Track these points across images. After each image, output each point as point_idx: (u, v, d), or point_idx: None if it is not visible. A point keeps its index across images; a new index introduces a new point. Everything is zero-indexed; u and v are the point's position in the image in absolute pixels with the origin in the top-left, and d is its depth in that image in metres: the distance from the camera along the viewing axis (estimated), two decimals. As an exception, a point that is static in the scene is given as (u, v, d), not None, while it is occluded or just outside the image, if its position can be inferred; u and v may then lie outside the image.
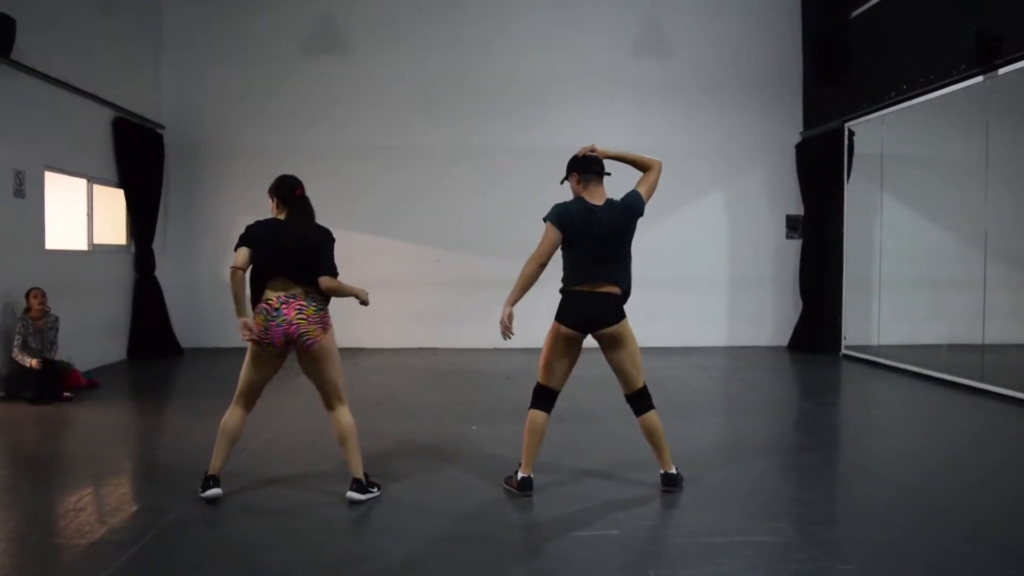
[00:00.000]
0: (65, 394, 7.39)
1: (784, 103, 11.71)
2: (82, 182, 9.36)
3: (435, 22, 11.50)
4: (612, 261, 4.55)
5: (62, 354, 7.81)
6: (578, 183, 4.67)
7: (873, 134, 10.09)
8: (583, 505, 4.43)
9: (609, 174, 4.73)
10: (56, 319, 7.70)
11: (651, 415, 4.68)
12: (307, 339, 4.37)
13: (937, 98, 8.62)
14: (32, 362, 7.27)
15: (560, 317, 4.55)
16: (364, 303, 4.56)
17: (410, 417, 6.77)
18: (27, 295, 7.53)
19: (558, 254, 4.57)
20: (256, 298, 4.45)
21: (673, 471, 4.67)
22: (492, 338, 11.18)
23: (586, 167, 4.67)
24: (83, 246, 9.37)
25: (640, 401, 4.67)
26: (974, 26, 7.82)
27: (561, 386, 4.64)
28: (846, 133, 10.54)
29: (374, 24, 11.44)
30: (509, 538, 4.05)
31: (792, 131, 11.69)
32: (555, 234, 4.49)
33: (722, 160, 11.72)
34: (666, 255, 11.43)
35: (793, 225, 11.73)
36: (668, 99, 11.64)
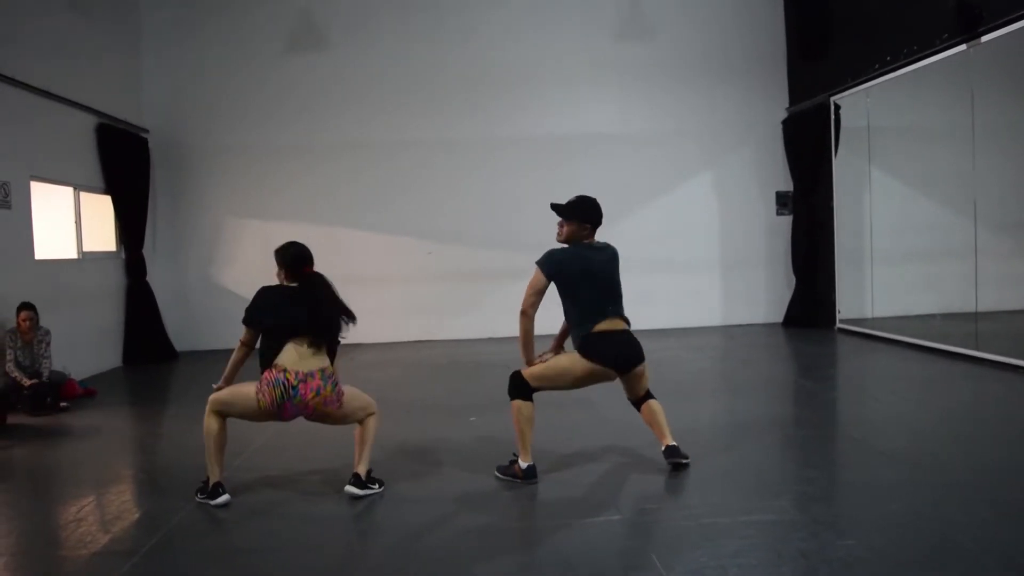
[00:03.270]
0: (61, 404, 7.36)
1: (769, 80, 11.69)
2: (68, 190, 9.30)
3: (415, 12, 11.43)
4: (615, 296, 4.68)
5: (57, 363, 7.77)
6: (581, 228, 4.68)
7: (859, 107, 10.09)
8: (584, 491, 4.44)
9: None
10: (47, 332, 7.59)
11: (651, 402, 4.79)
12: (324, 414, 4.44)
13: (921, 68, 8.62)
14: (24, 381, 7.21)
15: (592, 356, 4.57)
16: None
17: (409, 411, 6.77)
18: (16, 313, 7.42)
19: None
20: (269, 358, 4.40)
21: (674, 443, 4.71)
22: (488, 328, 11.28)
23: (596, 219, 4.71)
24: (73, 254, 9.32)
25: (643, 399, 4.81)
26: (955, -5, 7.82)
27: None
28: (832, 107, 10.53)
29: (354, 17, 11.37)
30: (511, 527, 4.06)
31: (778, 107, 11.68)
32: (542, 282, 4.57)
33: (709, 140, 11.70)
34: (658, 237, 11.45)
35: (783, 202, 11.73)
36: (652, 81, 11.61)
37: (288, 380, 4.29)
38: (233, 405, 4.43)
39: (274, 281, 4.62)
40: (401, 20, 11.42)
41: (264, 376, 4.35)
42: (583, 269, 4.58)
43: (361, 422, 4.59)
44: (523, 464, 4.60)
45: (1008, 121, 8.29)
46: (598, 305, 4.60)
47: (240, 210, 11.31)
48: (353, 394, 4.57)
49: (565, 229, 4.71)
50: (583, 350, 4.58)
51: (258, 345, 4.50)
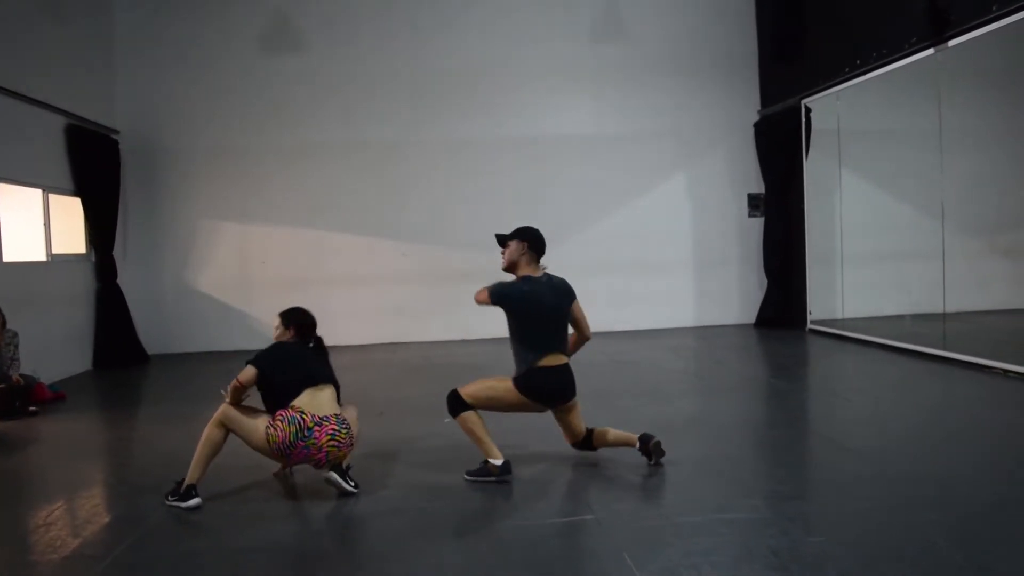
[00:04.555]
0: (31, 408, 7.27)
1: (741, 82, 11.79)
2: (37, 192, 9.19)
3: (390, 16, 11.41)
4: (560, 332, 4.80)
5: (26, 368, 7.67)
6: (525, 256, 4.78)
7: (829, 110, 10.21)
8: (557, 491, 4.48)
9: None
10: (15, 335, 7.51)
11: (595, 430, 4.93)
12: (335, 461, 4.42)
13: (890, 72, 8.74)
14: None
15: (528, 391, 4.66)
16: None
17: (383, 413, 6.74)
18: None
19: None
20: (278, 404, 4.44)
21: (639, 437, 4.80)
22: (461, 330, 11.28)
23: (542, 248, 4.82)
24: (42, 257, 9.20)
25: (587, 440, 4.92)
26: (923, -1, 7.94)
27: None
28: (803, 110, 10.64)
29: (329, 20, 11.32)
30: (484, 528, 4.07)
31: (750, 110, 11.78)
32: (485, 302, 4.72)
33: (682, 142, 11.78)
34: (631, 239, 11.51)
35: (755, 203, 11.83)
36: (626, 83, 11.67)
37: (304, 421, 4.30)
38: (241, 429, 4.42)
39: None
40: (376, 21, 11.39)
41: (279, 413, 4.35)
42: (537, 306, 4.68)
43: None
44: (495, 462, 4.62)
45: (974, 124, 8.44)
46: (543, 341, 4.70)
47: (214, 213, 11.22)
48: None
49: (511, 250, 4.79)
50: (521, 383, 4.67)
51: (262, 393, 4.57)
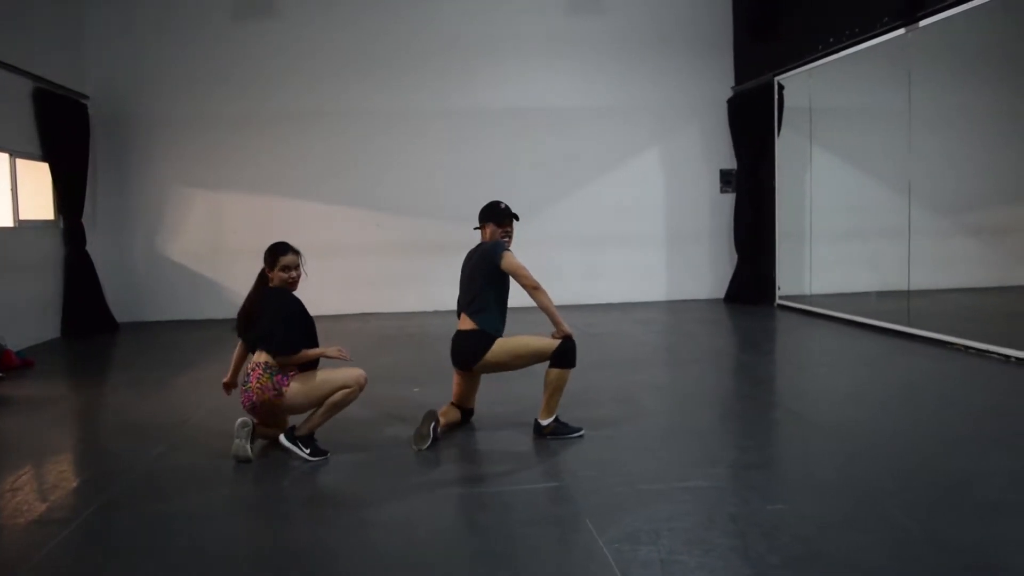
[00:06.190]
0: (-2, 374, 7.24)
1: (716, 58, 11.82)
2: (4, 157, 9.05)
3: (365, -17, 11.30)
4: (468, 296, 5.06)
5: (-8, 334, 7.62)
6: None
7: (802, 88, 10.27)
8: (522, 458, 4.54)
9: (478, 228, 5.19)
10: (-17, 298, 7.47)
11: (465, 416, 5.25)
12: (263, 407, 4.55)
13: (862, 51, 8.81)
14: None
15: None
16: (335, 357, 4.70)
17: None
18: None
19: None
20: None
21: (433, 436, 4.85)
22: (435, 301, 11.30)
23: (485, 217, 5.12)
24: (8, 222, 9.09)
25: (463, 416, 5.24)
26: (896, -21, 7.99)
27: None
28: (776, 87, 10.69)
29: (302, -14, 11.21)
30: (449, 494, 4.12)
31: (724, 86, 11.82)
32: None
33: (657, 116, 11.81)
34: (604, 212, 11.56)
35: (727, 179, 11.91)
36: (603, 57, 11.65)
37: (246, 369, 4.64)
38: None
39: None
40: (351, -11, 11.28)
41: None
42: (463, 268, 5.08)
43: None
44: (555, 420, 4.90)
45: (943, 103, 8.54)
46: (459, 304, 5.01)
47: (185, 180, 11.11)
48: (308, 388, 4.56)
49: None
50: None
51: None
